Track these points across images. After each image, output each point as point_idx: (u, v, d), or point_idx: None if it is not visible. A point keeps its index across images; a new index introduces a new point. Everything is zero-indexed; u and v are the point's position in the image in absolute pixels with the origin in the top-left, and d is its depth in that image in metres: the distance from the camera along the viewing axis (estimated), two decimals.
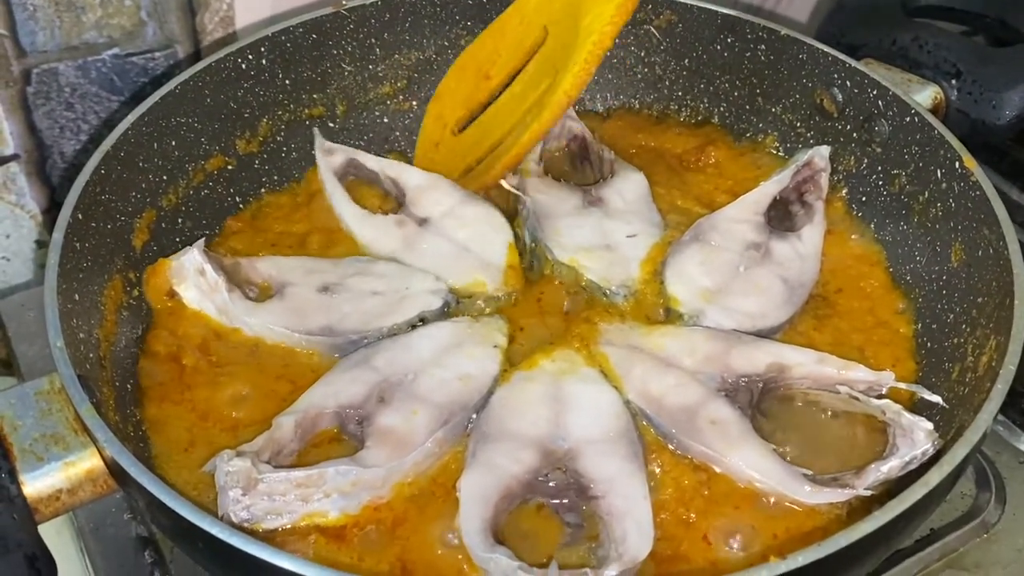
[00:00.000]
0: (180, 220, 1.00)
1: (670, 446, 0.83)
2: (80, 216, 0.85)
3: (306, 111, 1.11)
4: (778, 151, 1.14)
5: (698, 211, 1.04)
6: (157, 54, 1.14)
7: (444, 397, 0.84)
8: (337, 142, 1.10)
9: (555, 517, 0.78)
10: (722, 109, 1.18)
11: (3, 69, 1.07)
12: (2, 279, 1.22)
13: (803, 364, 0.86)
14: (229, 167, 1.06)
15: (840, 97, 1.06)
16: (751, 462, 0.79)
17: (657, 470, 0.81)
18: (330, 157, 1.08)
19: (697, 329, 0.91)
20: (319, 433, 0.82)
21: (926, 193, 0.98)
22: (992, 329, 0.82)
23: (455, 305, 0.94)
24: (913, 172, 1.00)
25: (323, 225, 1.04)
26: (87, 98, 1.13)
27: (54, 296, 0.78)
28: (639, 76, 1.21)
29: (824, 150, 1.06)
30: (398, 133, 1.17)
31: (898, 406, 0.81)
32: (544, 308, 0.95)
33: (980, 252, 0.89)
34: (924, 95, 1.09)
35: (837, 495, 0.77)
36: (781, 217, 1.03)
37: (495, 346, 0.89)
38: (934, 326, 0.93)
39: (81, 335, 0.81)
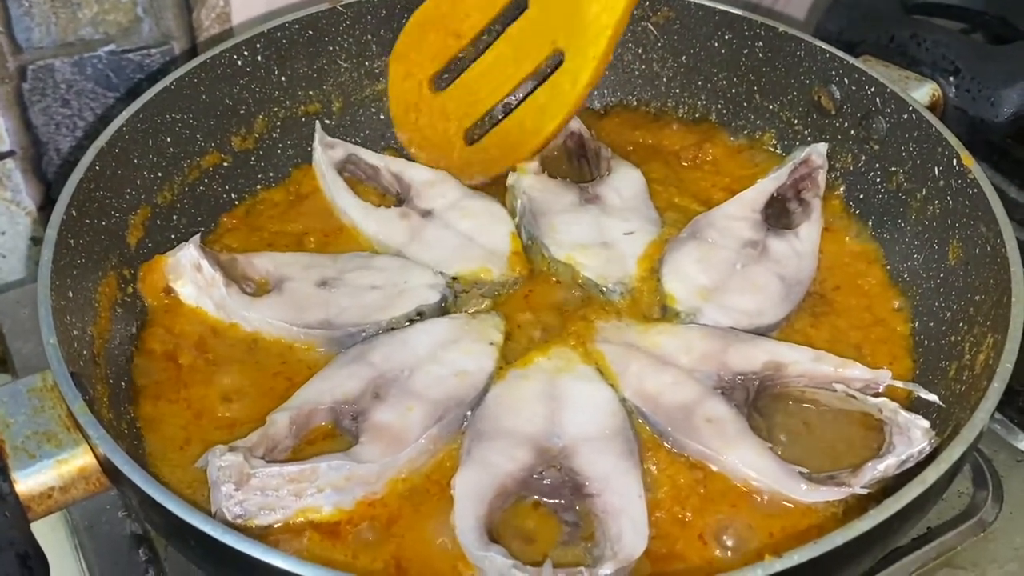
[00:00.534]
0: (175, 217, 1.00)
1: (666, 444, 0.83)
2: (74, 212, 0.85)
3: (302, 108, 1.11)
4: (776, 148, 1.14)
5: (695, 208, 1.04)
6: (153, 51, 1.14)
7: (439, 393, 0.83)
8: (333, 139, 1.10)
9: (552, 515, 0.77)
10: (720, 106, 1.17)
11: None
12: None
13: (800, 362, 0.86)
14: (225, 164, 1.05)
15: (838, 94, 1.06)
16: (747, 460, 0.79)
17: (653, 468, 0.81)
18: (331, 151, 1.07)
19: (694, 327, 0.91)
20: (314, 429, 0.82)
21: (924, 190, 0.98)
22: (989, 327, 0.82)
23: (453, 299, 0.94)
24: (911, 169, 0.99)
25: (319, 224, 1.04)
26: (83, 94, 1.13)
27: (47, 293, 0.78)
28: (636, 73, 1.21)
29: (822, 147, 1.06)
30: (395, 131, 1.17)
31: (895, 404, 0.81)
32: (540, 305, 0.95)
33: (978, 250, 0.89)
34: (922, 92, 1.09)
35: (833, 493, 0.77)
36: (778, 214, 1.03)
37: (491, 343, 0.89)
38: (931, 324, 0.93)
39: (75, 332, 0.81)
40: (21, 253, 1.21)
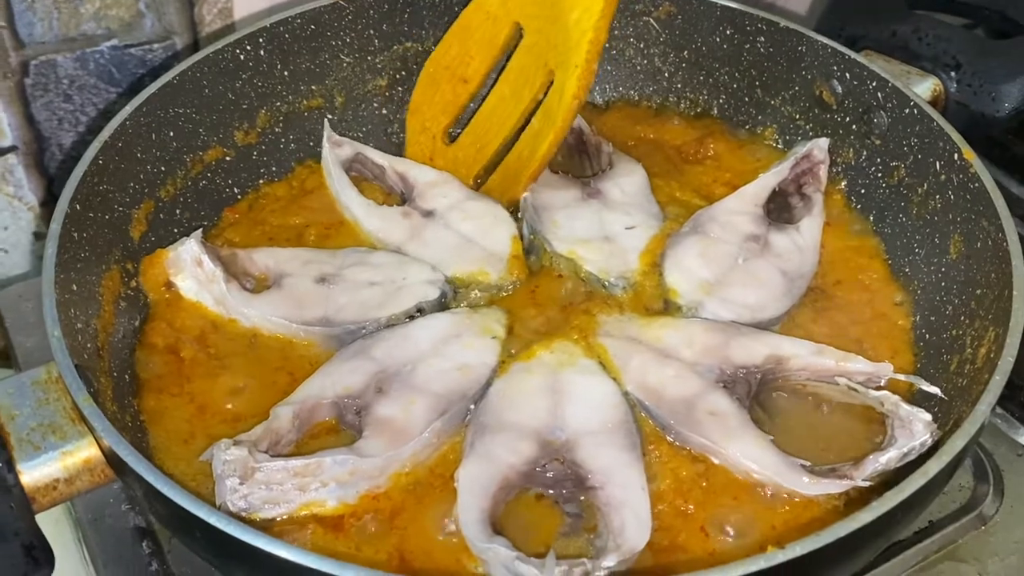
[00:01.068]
0: (178, 211, 1.00)
1: (668, 437, 0.83)
2: (78, 207, 0.85)
3: (304, 102, 1.11)
4: (777, 143, 1.14)
5: (697, 203, 1.04)
6: (155, 46, 1.14)
7: (442, 387, 0.84)
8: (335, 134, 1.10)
9: (555, 507, 0.78)
10: (721, 101, 1.18)
11: (1, 60, 1.07)
12: (0, 271, 1.21)
13: (801, 356, 0.86)
14: (227, 158, 1.06)
15: (839, 89, 1.06)
16: (749, 453, 0.79)
17: (655, 461, 0.81)
18: (338, 149, 1.08)
19: (696, 321, 0.91)
20: (317, 424, 0.82)
21: (925, 185, 0.98)
22: (991, 321, 0.82)
23: (452, 296, 0.94)
24: (912, 164, 1.00)
25: (321, 218, 1.04)
26: (85, 90, 1.13)
27: (52, 286, 0.78)
28: (638, 68, 1.21)
29: (823, 142, 1.06)
30: (396, 126, 1.17)
31: (896, 397, 0.81)
32: (543, 300, 0.95)
33: (979, 244, 0.89)
34: (923, 87, 1.09)
35: (835, 486, 0.77)
36: (780, 209, 1.03)
37: (494, 337, 0.89)
38: (932, 318, 0.93)
39: (79, 325, 0.81)
40: (24, 248, 1.21)
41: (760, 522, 0.78)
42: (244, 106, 1.06)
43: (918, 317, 0.95)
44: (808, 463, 0.79)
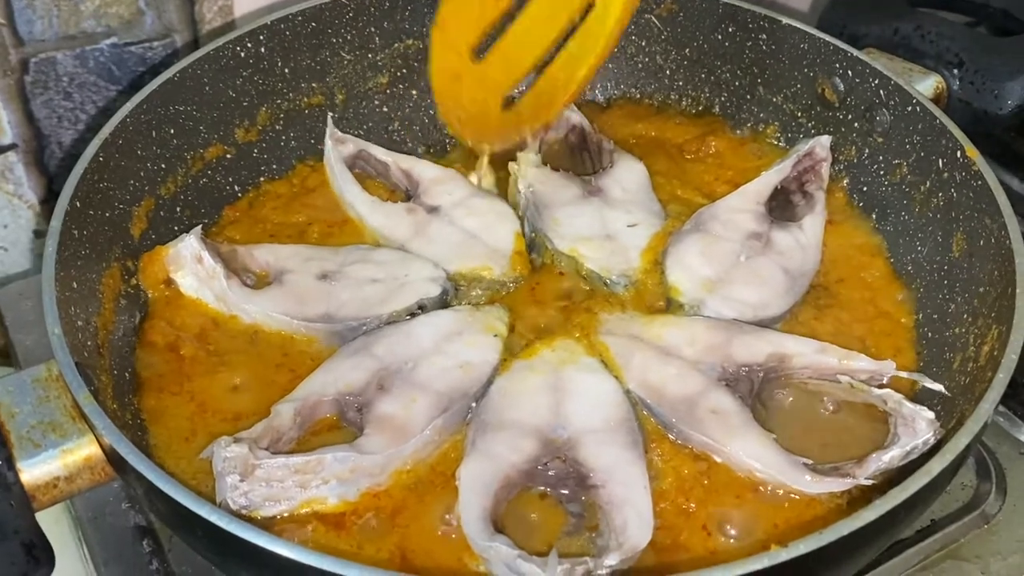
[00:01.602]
0: (178, 209, 1.00)
1: (670, 436, 0.83)
2: (78, 204, 0.85)
3: (305, 100, 1.11)
4: (779, 141, 1.14)
5: (699, 201, 1.04)
6: (155, 43, 1.14)
7: (444, 385, 0.83)
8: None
9: (557, 506, 0.77)
10: (723, 99, 1.17)
11: (1, 58, 1.06)
12: (0, 269, 1.21)
13: (804, 354, 0.86)
14: (228, 156, 1.05)
15: (841, 87, 1.06)
16: (751, 451, 0.79)
17: (657, 459, 0.81)
18: (341, 146, 1.07)
19: (698, 319, 0.91)
20: (318, 421, 0.82)
21: (927, 183, 0.98)
22: (994, 319, 0.82)
23: (454, 293, 0.94)
24: (914, 162, 0.99)
25: (324, 216, 1.04)
26: (85, 87, 1.13)
27: (52, 283, 0.78)
28: (640, 65, 1.20)
29: (825, 140, 1.05)
30: (397, 123, 1.17)
31: (899, 395, 0.81)
32: (544, 298, 0.95)
33: (982, 242, 0.88)
34: (926, 84, 1.09)
35: (838, 484, 0.77)
36: (782, 207, 1.03)
37: (495, 335, 0.89)
38: (935, 316, 0.93)
39: (79, 323, 0.81)
40: (24, 246, 1.21)
41: (762, 520, 0.77)
42: (244, 104, 1.06)
43: (921, 315, 0.95)
44: (811, 461, 0.79)
